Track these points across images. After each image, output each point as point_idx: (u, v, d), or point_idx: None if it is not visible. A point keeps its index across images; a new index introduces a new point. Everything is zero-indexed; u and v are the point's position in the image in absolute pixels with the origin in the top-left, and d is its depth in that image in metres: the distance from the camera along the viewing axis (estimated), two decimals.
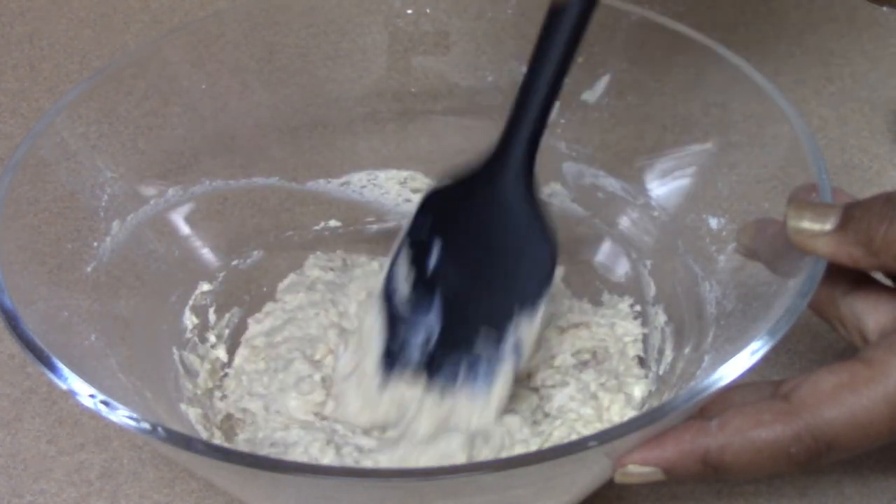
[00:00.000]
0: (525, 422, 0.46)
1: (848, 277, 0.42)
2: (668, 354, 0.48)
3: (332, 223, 0.55)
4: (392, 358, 0.45)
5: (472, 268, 0.45)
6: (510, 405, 0.47)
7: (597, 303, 0.52)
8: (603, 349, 0.49)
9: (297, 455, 0.44)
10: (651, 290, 0.51)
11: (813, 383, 0.38)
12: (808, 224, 0.40)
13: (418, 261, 0.45)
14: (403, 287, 0.46)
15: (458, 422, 0.44)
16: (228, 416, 0.48)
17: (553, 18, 0.43)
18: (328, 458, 0.44)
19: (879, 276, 0.42)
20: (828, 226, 0.39)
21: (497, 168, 0.44)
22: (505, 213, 0.45)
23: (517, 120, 0.44)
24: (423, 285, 0.45)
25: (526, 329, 0.44)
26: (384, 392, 0.45)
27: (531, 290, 0.44)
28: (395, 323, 0.46)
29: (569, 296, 0.53)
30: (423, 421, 0.44)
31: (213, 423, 0.47)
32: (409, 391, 0.45)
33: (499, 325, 0.44)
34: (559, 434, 0.45)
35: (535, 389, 0.48)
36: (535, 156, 0.44)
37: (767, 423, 0.37)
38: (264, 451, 0.45)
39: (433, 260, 0.45)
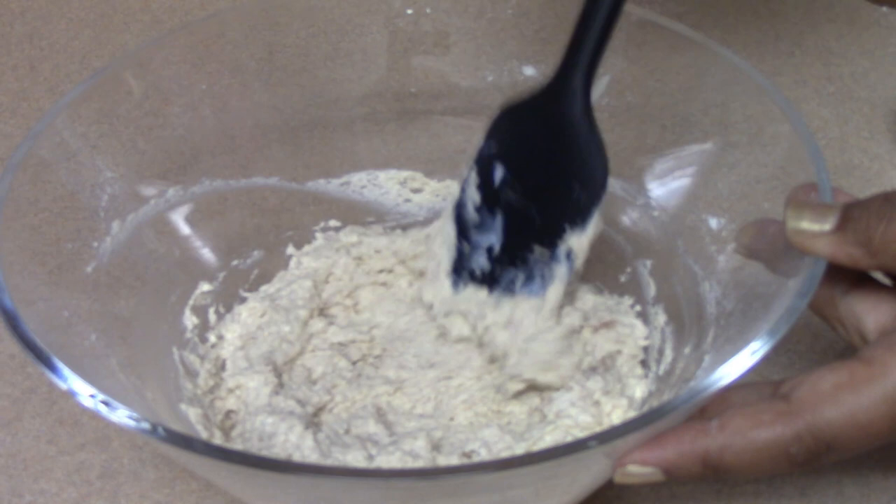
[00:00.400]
0: (505, 429, 0.46)
1: (847, 277, 0.42)
2: (668, 354, 0.48)
3: (332, 223, 0.55)
4: (462, 264, 0.50)
5: (533, 183, 0.48)
6: (505, 412, 0.48)
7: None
8: (613, 354, 0.49)
9: (279, 444, 0.45)
10: (651, 290, 0.51)
11: (813, 383, 0.38)
12: (807, 225, 0.40)
13: (485, 177, 0.49)
14: (472, 202, 0.49)
15: (519, 322, 0.48)
16: (228, 415, 0.48)
17: None
18: (308, 444, 0.45)
19: (878, 276, 0.42)
20: (827, 226, 0.39)
21: (558, 91, 0.47)
22: (563, 132, 0.47)
23: (576, 46, 0.46)
24: (490, 200, 0.49)
25: (577, 239, 0.48)
26: (456, 293, 0.50)
27: (585, 201, 0.47)
28: (465, 233, 0.50)
29: (593, 291, 0.52)
30: (490, 320, 0.48)
31: (213, 423, 0.47)
32: (476, 294, 0.49)
33: (554, 235, 0.48)
34: (551, 439, 0.45)
35: (539, 390, 0.48)
36: (592, 80, 0.46)
37: (767, 423, 0.37)
38: (254, 444, 0.45)
39: (498, 177, 0.48)
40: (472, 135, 0.55)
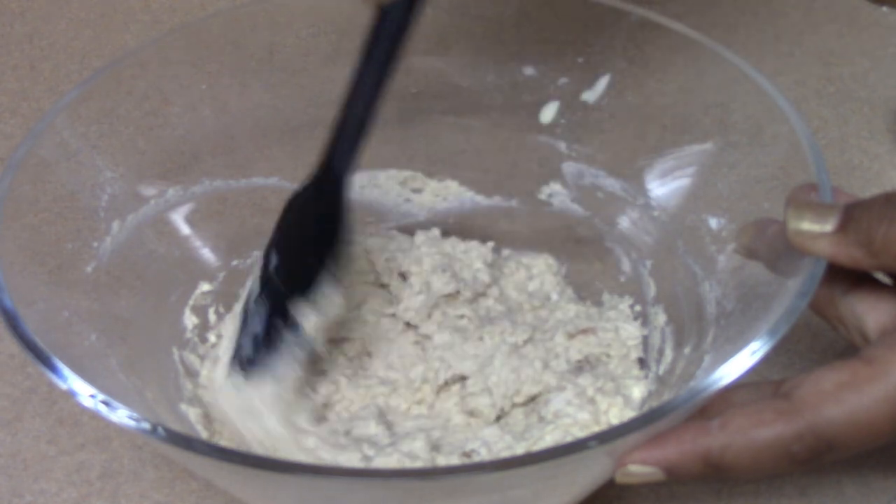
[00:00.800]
0: (505, 429, 0.46)
1: (847, 277, 0.42)
2: (668, 354, 0.48)
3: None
4: (237, 355, 0.46)
5: (293, 267, 0.47)
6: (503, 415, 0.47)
7: (597, 303, 0.52)
8: (598, 354, 0.49)
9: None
10: (651, 290, 0.51)
11: (814, 382, 0.38)
12: (808, 225, 0.40)
13: (265, 267, 0.47)
14: (253, 293, 0.47)
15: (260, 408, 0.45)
16: None
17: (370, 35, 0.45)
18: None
19: (879, 275, 0.42)
20: (828, 227, 0.39)
21: (321, 180, 0.47)
22: (317, 211, 0.47)
23: (333, 142, 0.46)
24: (264, 288, 0.47)
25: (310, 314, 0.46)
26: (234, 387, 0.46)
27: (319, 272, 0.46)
28: (245, 324, 0.47)
29: (575, 300, 0.53)
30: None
31: (213, 423, 0.47)
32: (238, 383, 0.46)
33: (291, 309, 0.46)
34: (551, 438, 0.45)
35: (532, 395, 0.48)
36: (345, 167, 0.46)
37: (768, 422, 0.37)
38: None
39: (272, 264, 0.47)
40: (473, 135, 0.55)
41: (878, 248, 0.39)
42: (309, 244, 0.47)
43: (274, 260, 0.47)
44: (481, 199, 0.56)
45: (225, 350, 0.47)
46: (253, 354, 0.46)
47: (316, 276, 0.46)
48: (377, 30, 0.45)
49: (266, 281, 0.47)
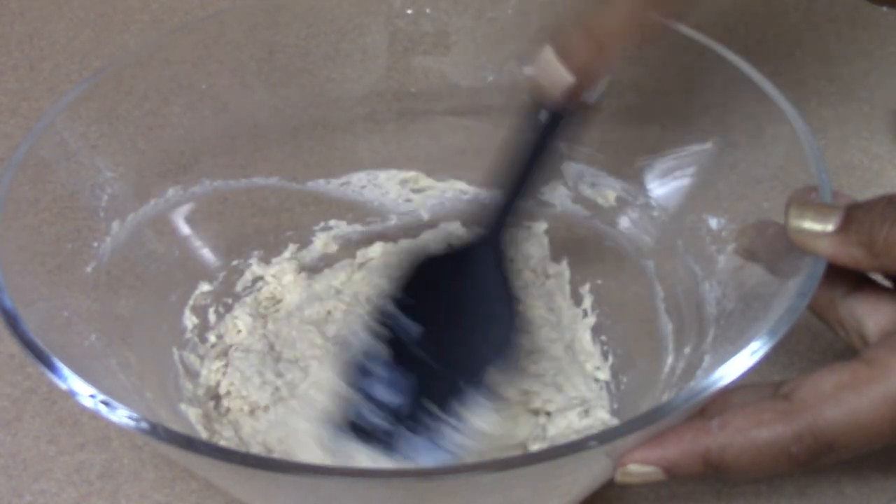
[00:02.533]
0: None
1: (847, 279, 0.42)
2: (669, 354, 0.48)
3: (332, 223, 0.55)
4: (356, 421, 0.44)
5: (446, 338, 0.45)
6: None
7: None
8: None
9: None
10: (658, 290, 0.51)
11: (814, 383, 0.38)
12: (809, 224, 0.40)
13: (396, 329, 0.45)
14: (378, 355, 0.44)
15: None
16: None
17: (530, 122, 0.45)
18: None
19: (879, 278, 0.42)
20: (829, 226, 0.39)
21: (476, 250, 0.45)
22: (475, 290, 0.45)
23: (503, 209, 0.45)
24: (401, 356, 0.44)
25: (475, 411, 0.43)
26: (338, 445, 0.43)
27: (493, 361, 0.43)
28: (360, 386, 0.44)
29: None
30: None
31: (213, 423, 0.47)
32: (361, 452, 0.43)
33: (453, 398, 0.43)
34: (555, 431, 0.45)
35: (535, 413, 0.48)
36: (506, 242, 0.45)
37: (768, 422, 0.37)
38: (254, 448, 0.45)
39: (414, 331, 0.45)
40: (472, 135, 0.55)
41: (879, 249, 0.39)
42: (473, 317, 0.44)
43: (412, 328, 0.44)
44: (482, 197, 0.56)
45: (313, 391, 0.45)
46: (384, 430, 0.42)
47: (483, 365, 0.43)
48: (542, 127, 0.44)
49: (399, 347, 0.44)
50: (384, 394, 0.43)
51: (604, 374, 0.50)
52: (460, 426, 0.42)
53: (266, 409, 0.48)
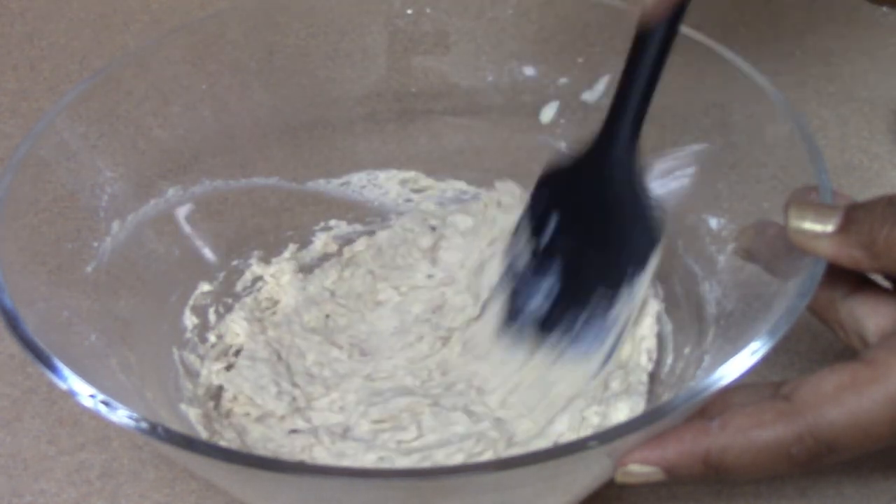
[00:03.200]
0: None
1: (847, 280, 0.42)
2: (669, 354, 0.48)
3: (332, 223, 0.55)
4: (513, 313, 0.48)
5: (586, 239, 0.48)
6: None
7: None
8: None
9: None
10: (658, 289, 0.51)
11: (814, 384, 0.38)
12: (809, 225, 0.40)
13: (537, 231, 0.48)
14: (524, 253, 0.48)
15: (559, 379, 0.46)
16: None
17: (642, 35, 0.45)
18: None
19: (878, 279, 0.42)
20: (829, 227, 0.39)
21: (605, 149, 0.47)
22: (613, 190, 0.47)
23: (621, 102, 0.46)
24: (542, 254, 0.48)
25: (627, 301, 0.46)
26: (501, 341, 0.48)
27: (630, 269, 0.47)
28: (515, 283, 0.48)
29: None
30: (527, 376, 0.47)
31: (213, 423, 0.47)
32: (521, 345, 0.47)
33: (608, 294, 0.47)
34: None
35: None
36: (638, 135, 0.46)
37: (769, 423, 0.37)
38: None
39: (550, 231, 0.48)
40: (472, 135, 0.55)
41: (879, 249, 0.39)
42: (609, 225, 0.47)
43: (555, 222, 0.48)
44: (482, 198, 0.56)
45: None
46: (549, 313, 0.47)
47: (624, 267, 0.47)
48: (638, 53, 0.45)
49: (547, 250, 0.48)
50: (540, 283, 0.48)
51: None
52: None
53: (282, 418, 0.47)
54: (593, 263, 0.47)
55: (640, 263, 0.46)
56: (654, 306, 0.49)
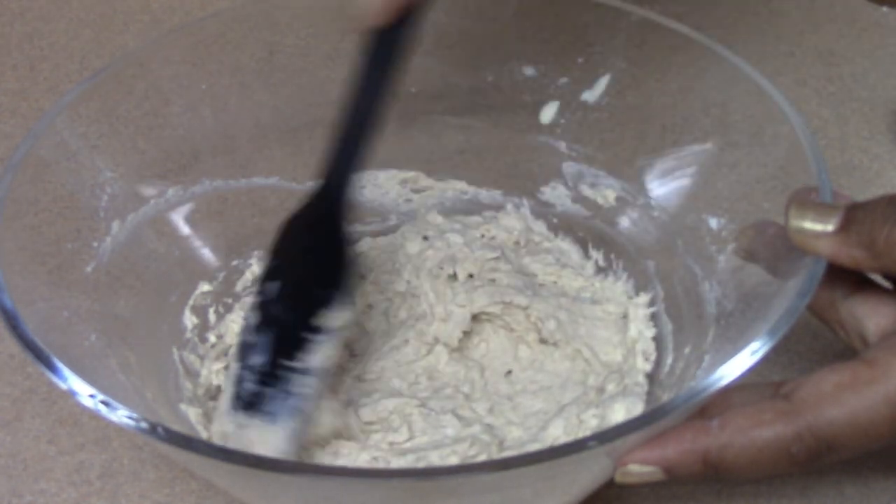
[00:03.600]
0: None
1: (848, 280, 0.42)
2: (669, 354, 0.48)
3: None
4: (238, 392, 0.44)
5: (293, 290, 0.45)
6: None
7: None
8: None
9: None
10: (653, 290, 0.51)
11: (814, 383, 0.38)
12: (809, 224, 0.40)
13: (264, 295, 0.45)
14: (250, 323, 0.45)
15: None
16: None
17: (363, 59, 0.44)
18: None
19: (878, 279, 0.42)
20: (830, 226, 0.39)
21: (317, 199, 0.45)
22: (316, 235, 0.46)
23: (335, 145, 0.45)
24: (265, 318, 0.45)
25: (320, 351, 0.44)
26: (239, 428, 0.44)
27: (325, 301, 0.45)
28: (244, 359, 0.45)
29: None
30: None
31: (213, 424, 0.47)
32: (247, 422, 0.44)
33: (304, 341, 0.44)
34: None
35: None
36: (343, 187, 0.45)
37: (768, 422, 0.37)
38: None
39: (273, 291, 0.45)
40: (473, 135, 0.55)
41: (880, 249, 0.39)
42: (310, 266, 0.45)
43: (273, 288, 0.45)
44: (482, 197, 0.56)
45: (227, 384, 0.45)
46: (254, 393, 0.44)
47: (323, 300, 0.44)
48: (371, 55, 0.44)
49: (265, 310, 0.45)
50: (254, 358, 0.44)
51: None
52: (303, 369, 0.44)
53: None
54: (294, 325, 0.45)
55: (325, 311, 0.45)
56: (642, 310, 0.49)
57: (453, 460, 0.43)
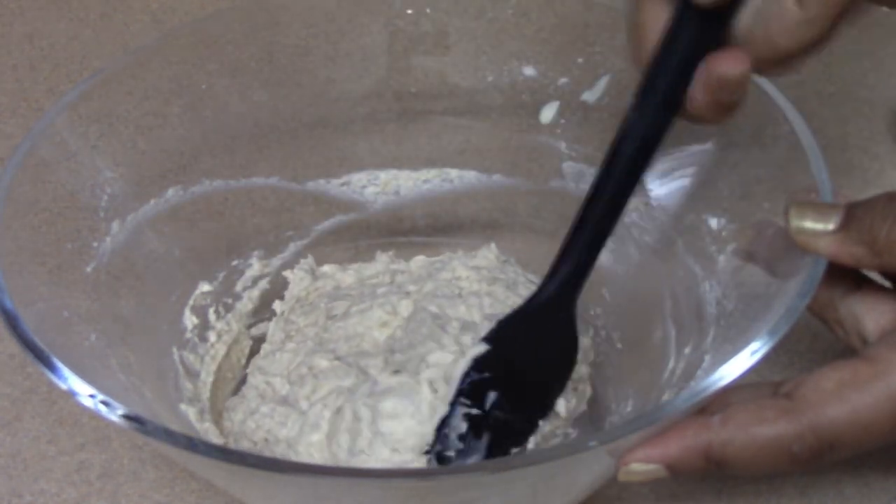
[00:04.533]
0: None
1: (847, 279, 0.42)
2: (669, 355, 0.48)
3: (332, 223, 0.55)
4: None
5: (518, 393, 0.44)
6: None
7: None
8: None
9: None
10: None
11: (816, 381, 0.38)
12: (810, 224, 0.40)
13: (476, 400, 0.44)
14: (456, 430, 0.43)
15: None
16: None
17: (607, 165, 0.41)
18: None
19: (877, 278, 0.42)
20: (830, 225, 0.39)
21: (545, 302, 0.44)
22: (544, 339, 0.45)
23: (565, 258, 0.43)
24: (476, 425, 0.43)
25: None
26: None
27: (552, 393, 0.44)
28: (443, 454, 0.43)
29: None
30: None
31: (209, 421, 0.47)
32: None
33: (528, 433, 0.43)
34: None
35: None
36: (578, 292, 0.44)
37: (770, 419, 0.37)
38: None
39: (490, 400, 0.44)
40: (472, 135, 0.55)
41: (880, 247, 0.39)
42: (540, 373, 0.44)
43: (493, 396, 0.43)
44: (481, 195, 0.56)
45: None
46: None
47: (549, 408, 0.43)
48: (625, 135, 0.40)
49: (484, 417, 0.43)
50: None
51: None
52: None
53: None
54: (517, 426, 0.43)
55: (551, 402, 0.44)
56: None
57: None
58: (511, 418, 0.43)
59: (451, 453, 0.43)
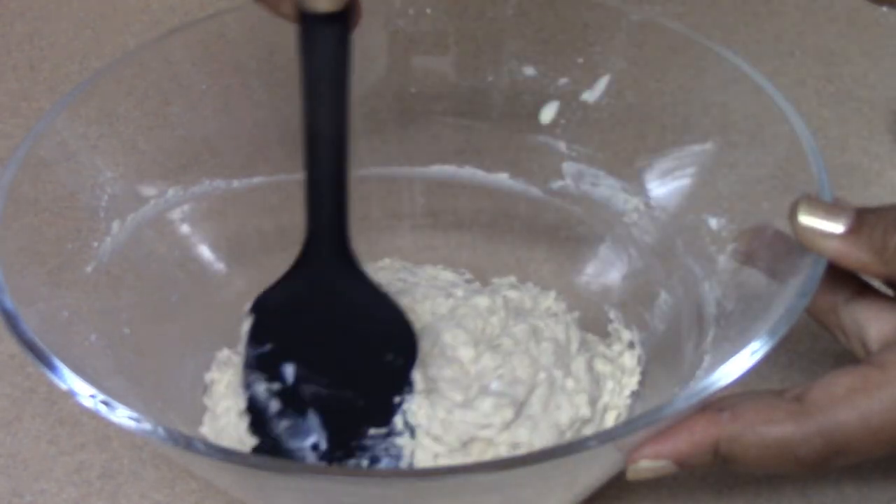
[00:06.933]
0: None
1: (849, 285, 0.42)
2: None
3: None
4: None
5: (333, 368, 0.43)
6: None
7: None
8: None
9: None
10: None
11: (825, 386, 0.38)
12: (819, 223, 0.39)
13: (275, 379, 0.43)
14: (272, 410, 0.43)
15: None
16: None
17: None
18: None
19: (878, 285, 0.42)
20: (840, 227, 0.39)
21: (313, 261, 0.43)
22: (340, 302, 0.44)
23: (314, 204, 0.43)
24: (291, 401, 0.42)
25: (411, 408, 0.43)
26: None
27: (402, 364, 0.43)
28: (277, 446, 0.42)
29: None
30: None
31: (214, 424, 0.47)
32: None
33: (386, 411, 0.42)
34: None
35: None
36: (346, 231, 0.43)
37: (778, 421, 0.37)
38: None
39: (290, 374, 0.43)
40: (472, 135, 0.55)
41: (890, 255, 0.39)
42: (349, 340, 0.43)
43: (290, 369, 0.42)
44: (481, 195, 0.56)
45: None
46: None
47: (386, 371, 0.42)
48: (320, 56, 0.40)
49: (294, 393, 0.42)
50: (295, 442, 0.42)
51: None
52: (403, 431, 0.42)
53: None
54: (358, 399, 0.42)
55: (403, 374, 0.42)
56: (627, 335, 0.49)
57: None
58: (341, 393, 0.42)
59: (277, 432, 0.42)
